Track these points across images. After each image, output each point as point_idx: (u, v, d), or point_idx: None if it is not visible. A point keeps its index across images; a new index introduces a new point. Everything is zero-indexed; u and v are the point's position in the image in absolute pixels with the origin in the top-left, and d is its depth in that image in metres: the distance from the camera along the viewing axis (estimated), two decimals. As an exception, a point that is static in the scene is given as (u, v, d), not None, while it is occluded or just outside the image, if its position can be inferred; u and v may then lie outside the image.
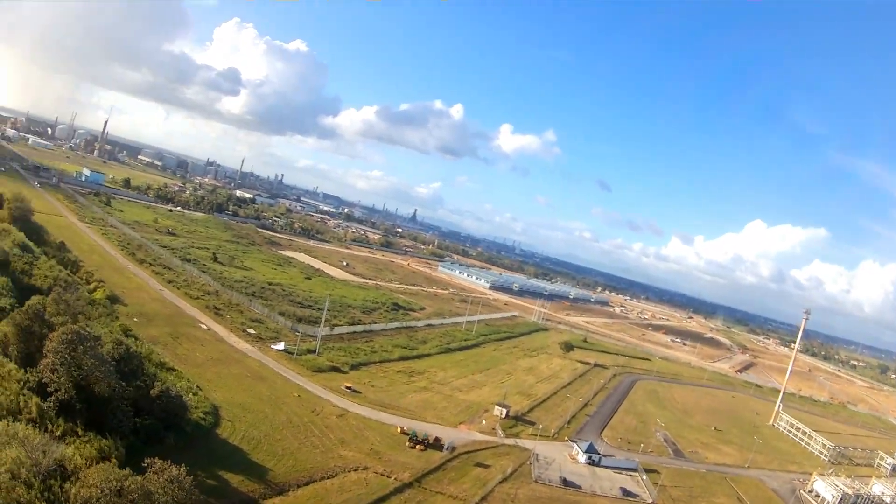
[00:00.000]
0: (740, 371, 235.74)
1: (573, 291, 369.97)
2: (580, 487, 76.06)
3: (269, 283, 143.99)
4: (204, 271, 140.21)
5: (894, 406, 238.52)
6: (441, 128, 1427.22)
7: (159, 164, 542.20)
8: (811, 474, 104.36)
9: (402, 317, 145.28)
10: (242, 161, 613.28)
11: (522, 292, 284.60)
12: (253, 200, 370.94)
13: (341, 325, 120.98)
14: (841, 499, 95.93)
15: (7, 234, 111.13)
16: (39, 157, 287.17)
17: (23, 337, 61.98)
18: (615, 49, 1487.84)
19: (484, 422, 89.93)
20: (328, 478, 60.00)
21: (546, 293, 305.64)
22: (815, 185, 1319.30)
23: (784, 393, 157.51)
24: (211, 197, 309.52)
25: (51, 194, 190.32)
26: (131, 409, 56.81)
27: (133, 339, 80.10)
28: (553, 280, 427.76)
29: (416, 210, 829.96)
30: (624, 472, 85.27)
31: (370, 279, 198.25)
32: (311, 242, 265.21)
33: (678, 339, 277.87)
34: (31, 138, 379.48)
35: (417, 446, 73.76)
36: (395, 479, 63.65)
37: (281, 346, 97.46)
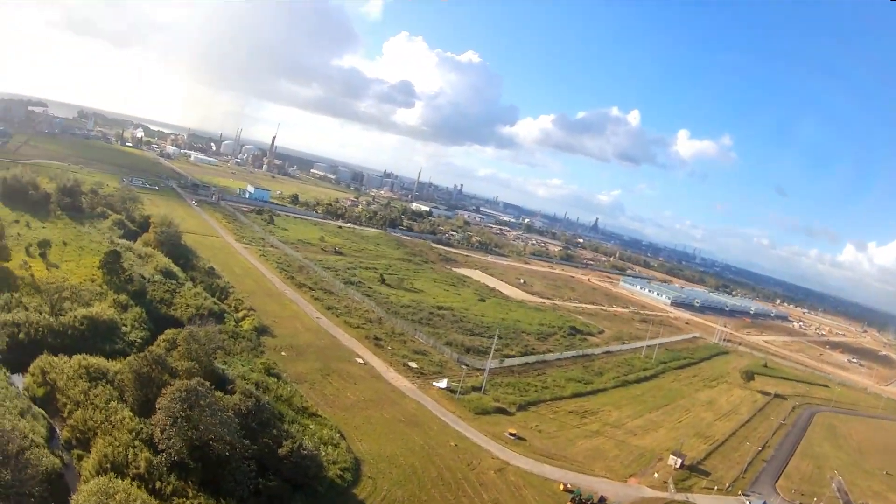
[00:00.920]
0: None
1: (753, 306, 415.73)
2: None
3: (439, 308, 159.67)
4: (368, 295, 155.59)
5: None
6: (618, 135, 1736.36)
7: (333, 177, 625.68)
8: None
9: (580, 343, 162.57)
10: (419, 172, 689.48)
11: (703, 308, 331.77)
12: (429, 213, 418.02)
13: (512, 356, 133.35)
14: None
15: (150, 259, 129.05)
16: (201, 174, 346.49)
17: (140, 384, 69.07)
18: (790, 50, 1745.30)
19: (656, 474, 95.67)
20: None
21: (727, 309, 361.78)
22: None
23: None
24: (384, 212, 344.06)
25: (208, 213, 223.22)
26: (254, 469, 59.63)
27: (275, 380, 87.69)
28: (733, 292, 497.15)
29: (597, 219, 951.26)
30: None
31: (548, 298, 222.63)
32: (489, 258, 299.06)
33: (855, 359, 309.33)
34: (194, 155, 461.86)
35: (580, 508, 78.62)
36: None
37: (443, 383, 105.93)
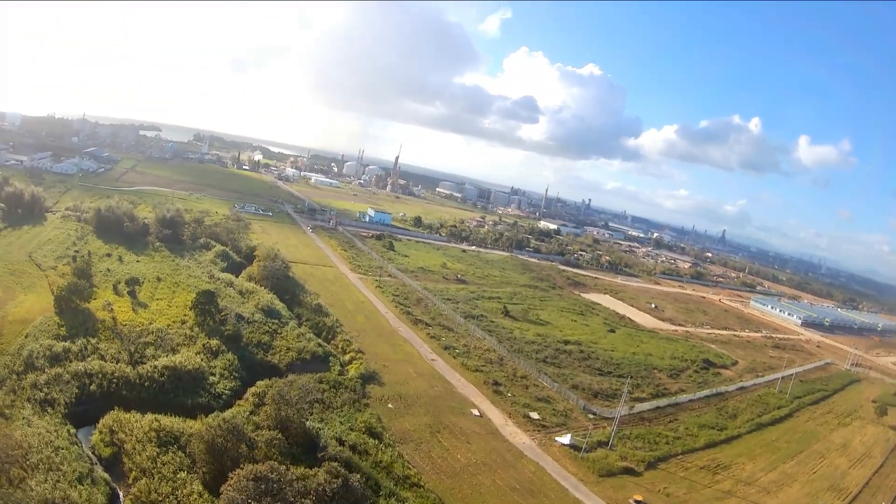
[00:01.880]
0: None
1: (881, 322, 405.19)
2: None
3: (566, 342, 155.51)
4: (490, 330, 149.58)
5: None
6: (741, 143, 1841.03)
7: (458, 195, 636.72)
8: None
9: (713, 378, 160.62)
10: (547, 189, 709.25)
11: (833, 328, 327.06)
12: (557, 232, 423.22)
13: (643, 400, 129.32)
14: None
15: (251, 296, 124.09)
16: (321, 197, 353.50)
17: (213, 455, 62.99)
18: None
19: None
20: None
21: (855, 326, 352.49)
22: None
23: None
24: (510, 232, 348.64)
25: (324, 240, 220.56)
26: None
27: (375, 442, 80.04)
28: (859, 306, 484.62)
29: (724, 230, 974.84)
30: None
31: (680, 325, 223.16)
32: (619, 279, 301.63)
33: None
34: (314, 177, 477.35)
35: None
36: None
37: (567, 438, 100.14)
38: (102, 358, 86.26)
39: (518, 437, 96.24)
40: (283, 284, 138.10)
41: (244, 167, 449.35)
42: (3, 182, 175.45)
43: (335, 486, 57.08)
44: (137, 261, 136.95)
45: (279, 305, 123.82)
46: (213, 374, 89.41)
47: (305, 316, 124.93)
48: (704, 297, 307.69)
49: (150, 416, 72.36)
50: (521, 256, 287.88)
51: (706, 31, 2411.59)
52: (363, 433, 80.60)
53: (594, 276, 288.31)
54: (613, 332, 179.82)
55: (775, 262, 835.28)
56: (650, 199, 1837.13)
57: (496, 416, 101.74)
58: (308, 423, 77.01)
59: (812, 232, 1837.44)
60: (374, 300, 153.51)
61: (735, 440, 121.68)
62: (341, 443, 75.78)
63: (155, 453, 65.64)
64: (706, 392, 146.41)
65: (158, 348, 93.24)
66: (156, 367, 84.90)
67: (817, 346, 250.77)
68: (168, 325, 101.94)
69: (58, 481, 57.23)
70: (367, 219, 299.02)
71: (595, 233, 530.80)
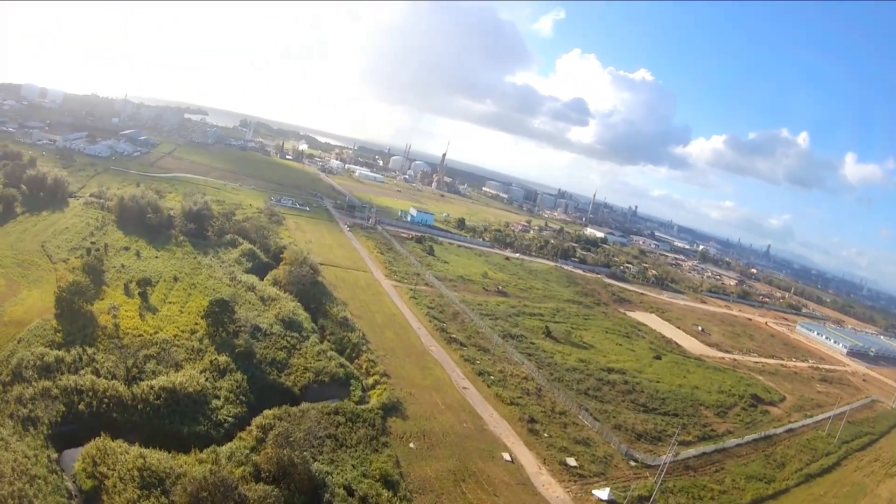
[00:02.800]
0: None
1: None
2: None
3: (609, 370, 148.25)
4: (529, 354, 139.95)
5: None
6: (788, 157, 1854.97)
7: (505, 196, 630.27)
8: None
9: (761, 417, 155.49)
10: (594, 194, 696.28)
11: (878, 358, 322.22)
12: (604, 241, 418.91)
13: (689, 444, 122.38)
14: None
15: (273, 304, 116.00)
16: (363, 192, 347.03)
17: None
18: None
19: None
20: None
21: None
22: None
23: None
24: (556, 239, 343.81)
25: (361, 240, 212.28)
26: None
27: (389, 494, 70.67)
28: None
29: (769, 246, 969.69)
30: None
31: (726, 352, 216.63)
32: (665, 296, 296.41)
33: None
34: (359, 170, 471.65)
35: None
36: None
37: (605, 493, 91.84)
38: (96, 372, 78.53)
39: (552, 488, 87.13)
40: (310, 292, 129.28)
41: (287, 156, 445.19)
42: (29, 164, 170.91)
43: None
44: (156, 256, 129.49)
45: (302, 316, 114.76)
46: (218, 398, 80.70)
47: (329, 329, 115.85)
48: (751, 320, 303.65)
49: (136, 451, 64.51)
50: (566, 267, 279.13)
51: (758, 42, 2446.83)
52: (377, 481, 71.11)
53: (640, 291, 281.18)
54: (659, 358, 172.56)
55: (818, 280, 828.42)
56: (695, 208, 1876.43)
57: (529, 461, 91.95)
58: (315, 466, 68.04)
59: (854, 251, 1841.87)
60: (407, 312, 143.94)
61: (782, 495, 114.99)
62: (350, 492, 66.90)
63: (136, 496, 58.33)
64: (754, 435, 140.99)
65: (160, 362, 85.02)
66: (152, 387, 76.52)
67: (863, 380, 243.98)
68: (175, 336, 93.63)
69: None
70: (409, 218, 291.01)
71: (641, 242, 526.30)
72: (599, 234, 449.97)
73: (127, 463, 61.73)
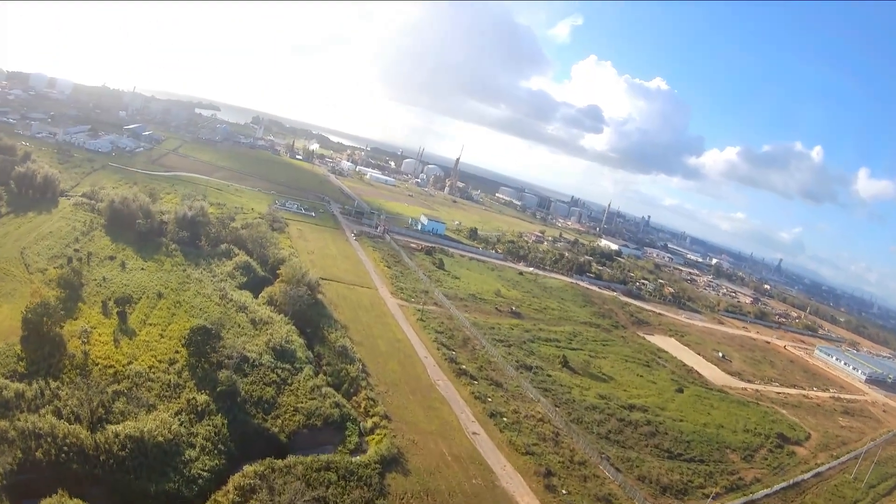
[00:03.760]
0: None
1: None
2: None
3: (631, 407, 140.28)
4: (545, 388, 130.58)
5: None
6: (801, 171, 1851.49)
7: (518, 203, 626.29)
8: None
9: (788, 459, 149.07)
10: (609, 204, 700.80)
11: (895, 385, 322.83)
12: (618, 254, 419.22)
13: (717, 497, 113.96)
14: None
15: (265, 328, 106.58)
16: (373, 196, 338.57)
17: None
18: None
19: None
20: None
21: None
22: None
23: None
24: (571, 252, 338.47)
25: (367, 251, 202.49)
26: None
27: None
28: None
29: (780, 260, 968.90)
30: None
31: (748, 381, 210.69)
32: (682, 316, 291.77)
33: None
34: (370, 172, 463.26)
35: None
36: None
37: None
38: (58, 412, 69.40)
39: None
40: (307, 314, 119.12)
41: (297, 156, 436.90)
42: (22, 159, 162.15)
43: None
44: (142, 268, 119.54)
45: (296, 343, 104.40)
46: (193, 446, 71.07)
47: (326, 358, 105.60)
48: (769, 343, 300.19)
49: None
50: (581, 284, 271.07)
51: (775, 54, 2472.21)
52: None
53: (658, 311, 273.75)
54: (681, 391, 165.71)
55: (829, 297, 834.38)
56: (707, 219, 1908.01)
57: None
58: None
59: (863, 266, 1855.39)
60: (413, 338, 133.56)
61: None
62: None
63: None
64: (783, 484, 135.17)
65: (131, 401, 75.31)
66: (118, 435, 66.92)
67: (883, 411, 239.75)
68: (151, 368, 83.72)
69: None
70: (420, 227, 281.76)
71: (655, 255, 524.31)
72: (614, 247, 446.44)
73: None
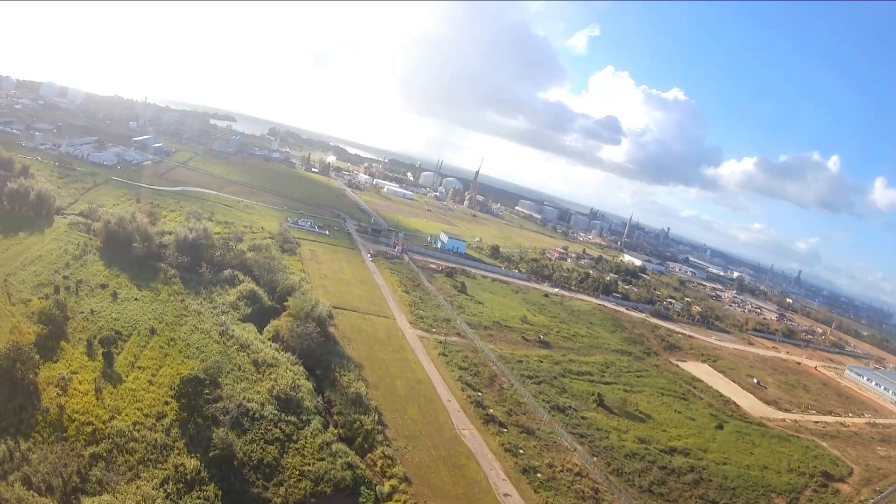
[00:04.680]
0: None
1: None
2: None
3: (671, 451, 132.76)
4: (580, 434, 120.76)
5: None
6: (818, 181, 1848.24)
7: (538, 216, 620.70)
8: None
9: (833, 499, 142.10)
10: (630, 217, 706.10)
11: None
12: (642, 270, 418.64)
13: None
14: None
15: (269, 373, 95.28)
16: (391, 211, 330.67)
17: None
18: None
19: None
20: None
21: None
22: None
23: None
24: (596, 270, 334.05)
25: (384, 273, 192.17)
26: None
27: None
28: None
29: (800, 272, 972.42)
30: None
31: (786, 410, 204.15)
32: (713, 338, 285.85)
33: None
34: (387, 186, 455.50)
35: None
36: None
37: None
38: (28, 481, 59.73)
39: None
40: (316, 352, 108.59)
41: (313, 169, 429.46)
42: (19, 173, 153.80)
43: None
44: (136, 298, 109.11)
45: (304, 389, 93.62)
46: (179, 529, 60.42)
47: (338, 407, 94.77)
48: (800, 364, 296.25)
49: None
50: (609, 305, 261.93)
51: (792, 65, 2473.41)
52: None
53: (687, 333, 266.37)
54: (721, 427, 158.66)
55: (849, 308, 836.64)
56: (724, 229, 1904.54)
57: None
58: None
59: (879, 276, 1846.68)
60: (435, 376, 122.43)
61: None
62: None
63: None
64: None
65: (110, 468, 64.93)
66: (87, 517, 56.55)
67: None
68: (136, 424, 73.08)
69: None
70: (439, 245, 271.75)
71: (678, 270, 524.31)
72: (637, 263, 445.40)
73: None
